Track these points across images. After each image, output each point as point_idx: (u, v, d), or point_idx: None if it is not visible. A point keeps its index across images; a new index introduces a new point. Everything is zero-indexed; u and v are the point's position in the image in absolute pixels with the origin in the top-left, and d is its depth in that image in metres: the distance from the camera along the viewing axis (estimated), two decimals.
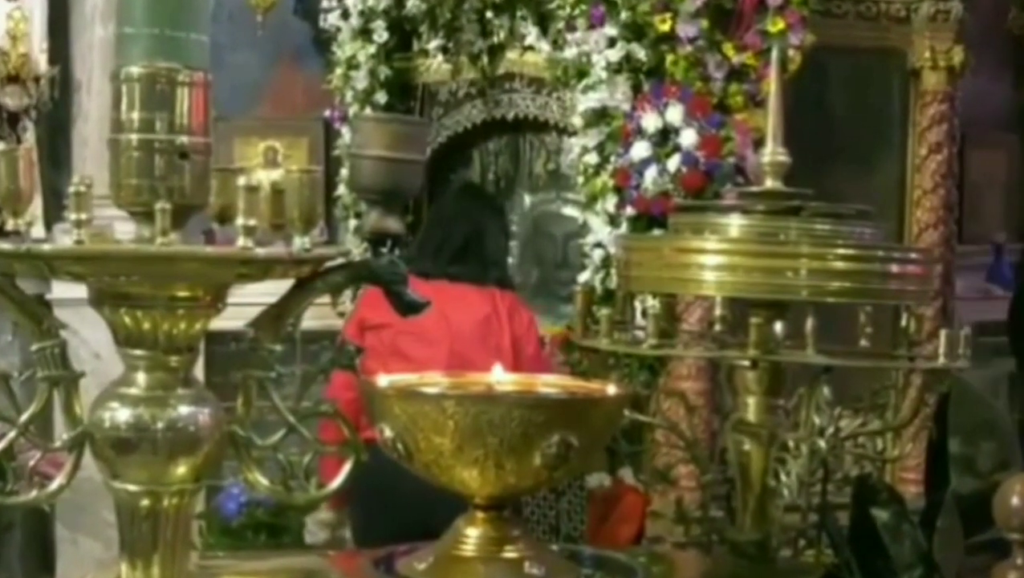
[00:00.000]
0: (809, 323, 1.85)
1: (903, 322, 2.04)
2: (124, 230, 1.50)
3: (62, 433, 1.47)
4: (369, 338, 3.45)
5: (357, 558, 2.17)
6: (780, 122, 2.04)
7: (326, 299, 1.58)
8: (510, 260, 4.29)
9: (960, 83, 4.06)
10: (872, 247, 1.94)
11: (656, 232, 3.53)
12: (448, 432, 1.55)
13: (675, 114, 3.68)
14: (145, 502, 1.46)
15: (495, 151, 4.71)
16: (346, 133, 4.77)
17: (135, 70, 1.42)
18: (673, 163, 3.66)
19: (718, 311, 2.17)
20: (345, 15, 4.75)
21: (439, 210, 3.96)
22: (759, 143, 3.02)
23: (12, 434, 1.45)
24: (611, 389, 1.70)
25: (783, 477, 1.91)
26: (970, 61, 4.01)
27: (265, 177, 1.48)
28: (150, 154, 1.42)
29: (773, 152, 2.03)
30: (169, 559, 1.47)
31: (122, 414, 1.44)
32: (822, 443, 1.90)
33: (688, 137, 3.66)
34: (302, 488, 1.53)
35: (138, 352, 1.46)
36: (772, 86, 2.11)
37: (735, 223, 1.97)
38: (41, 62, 4.90)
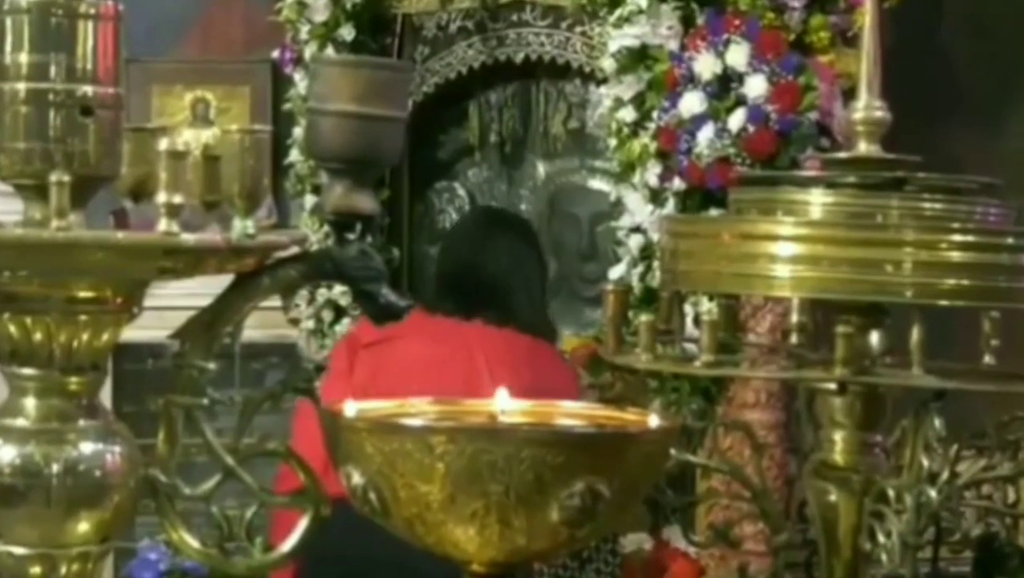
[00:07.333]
0: (915, 333, 1.86)
1: None
2: (8, 209, 1.50)
3: None
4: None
5: None
6: (878, 67, 2.04)
7: (275, 302, 1.58)
8: None
9: None
10: (1000, 233, 1.94)
11: (713, 212, 3.53)
12: (437, 477, 1.56)
13: (738, 55, 3.68)
14: (36, 569, 1.47)
15: (499, 104, 4.71)
16: (301, 81, 4.78)
17: None
18: (736, 120, 3.67)
19: (795, 318, 2.18)
20: None
21: (446, 252, 3.85)
22: (849, 94, 3.02)
23: None
24: (653, 421, 1.71)
25: (881, 538, 1.92)
26: None
27: (194, 139, 1.48)
28: (43, 109, 1.43)
29: (868, 106, 2.04)
30: None
31: (6, 454, 1.45)
32: (933, 493, 1.90)
33: (755, 86, 3.66)
34: (243, 551, 1.54)
35: (27, 371, 1.47)
36: (867, 18, 2.11)
37: (818, 200, 1.97)
38: None
